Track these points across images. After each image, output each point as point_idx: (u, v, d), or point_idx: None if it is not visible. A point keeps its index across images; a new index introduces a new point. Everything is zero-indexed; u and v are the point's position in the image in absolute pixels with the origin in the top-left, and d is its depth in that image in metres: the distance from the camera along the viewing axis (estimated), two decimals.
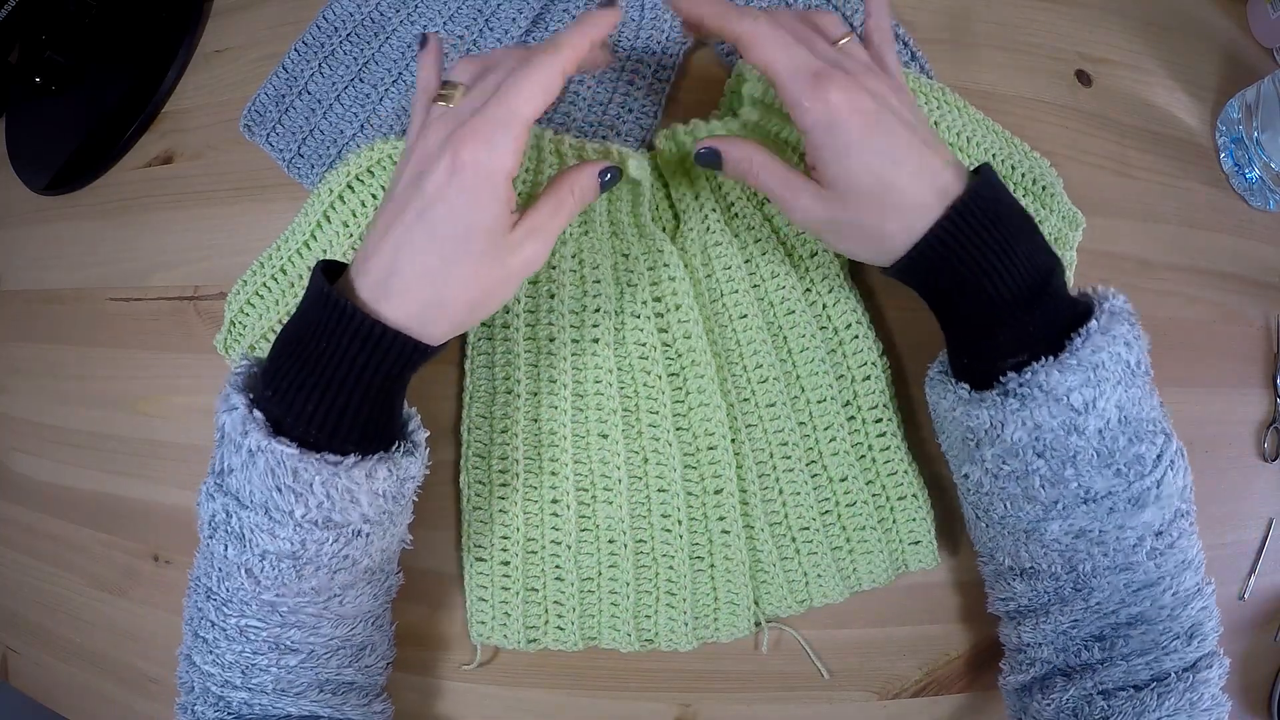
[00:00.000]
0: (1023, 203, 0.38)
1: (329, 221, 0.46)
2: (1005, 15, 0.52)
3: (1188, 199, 0.52)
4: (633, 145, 0.48)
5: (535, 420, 0.46)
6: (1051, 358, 0.32)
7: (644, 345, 0.45)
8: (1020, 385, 0.32)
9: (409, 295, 0.32)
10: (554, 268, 0.45)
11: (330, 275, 0.33)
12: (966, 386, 0.35)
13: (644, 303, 0.45)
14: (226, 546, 0.33)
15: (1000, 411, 0.33)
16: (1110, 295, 0.34)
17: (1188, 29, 0.55)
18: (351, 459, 0.32)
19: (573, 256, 0.45)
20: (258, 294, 0.47)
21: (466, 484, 0.46)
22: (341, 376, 0.32)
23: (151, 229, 0.56)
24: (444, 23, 0.50)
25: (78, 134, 0.60)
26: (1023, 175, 0.45)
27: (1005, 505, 0.36)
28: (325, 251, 0.46)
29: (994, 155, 0.45)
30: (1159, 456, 0.33)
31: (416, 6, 0.51)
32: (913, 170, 0.33)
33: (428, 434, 0.37)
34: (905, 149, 0.33)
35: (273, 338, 0.45)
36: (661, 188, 0.46)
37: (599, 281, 0.45)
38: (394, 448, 0.35)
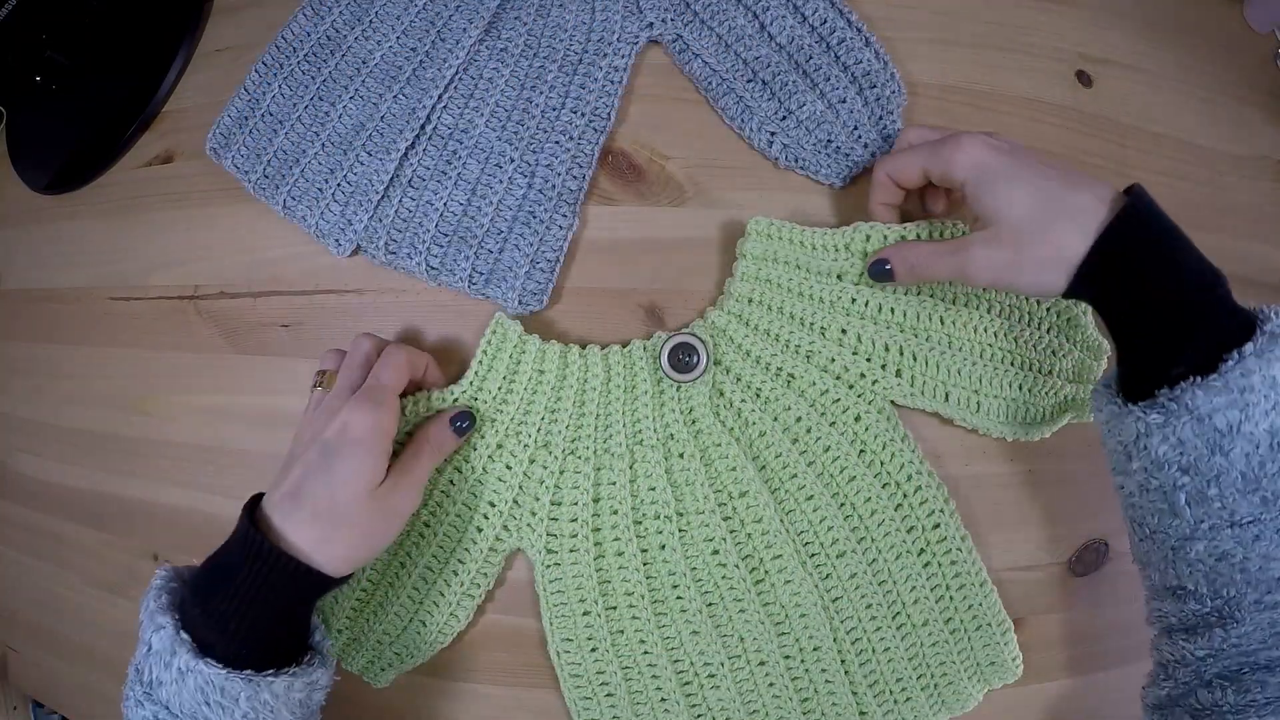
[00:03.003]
0: (1043, 335, 0.45)
1: None
2: (1005, 15, 0.52)
3: (1188, 199, 0.52)
4: (589, 148, 0.48)
5: (621, 633, 0.46)
6: (1200, 377, 0.32)
7: (713, 540, 0.45)
8: (1169, 400, 0.33)
9: (307, 526, 0.37)
10: (613, 484, 0.45)
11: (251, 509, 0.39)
12: (1120, 398, 0.36)
13: (704, 498, 0.45)
14: None
15: (1145, 425, 0.34)
16: (1275, 315, 0.33)
17: (1187, 29, 0.55)
18: (270, 675, 0.36)
19: (630, 467, 0.45)
20: None
21: (572, 702, 0.47)
22: (262, 602, 0.36)
23: (151, 229, 0.56)
24: (397, 36, 0.51)
25: (78, 133, 0.60)
26: (1047, 310, 0.46)
27: (1155, 519, 0.36)
28: None
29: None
30: None
31: (371, 22, 0.51)
32: (1066, 182, 0.36)
33: (332, 643, 0.42)
34: (1049, 168, 0.37)
35: (360, 621, 0.48)
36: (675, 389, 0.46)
37: (653, 489, 0.45)
38: (305, 659, 0.39)
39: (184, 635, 0.36)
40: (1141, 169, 0.52)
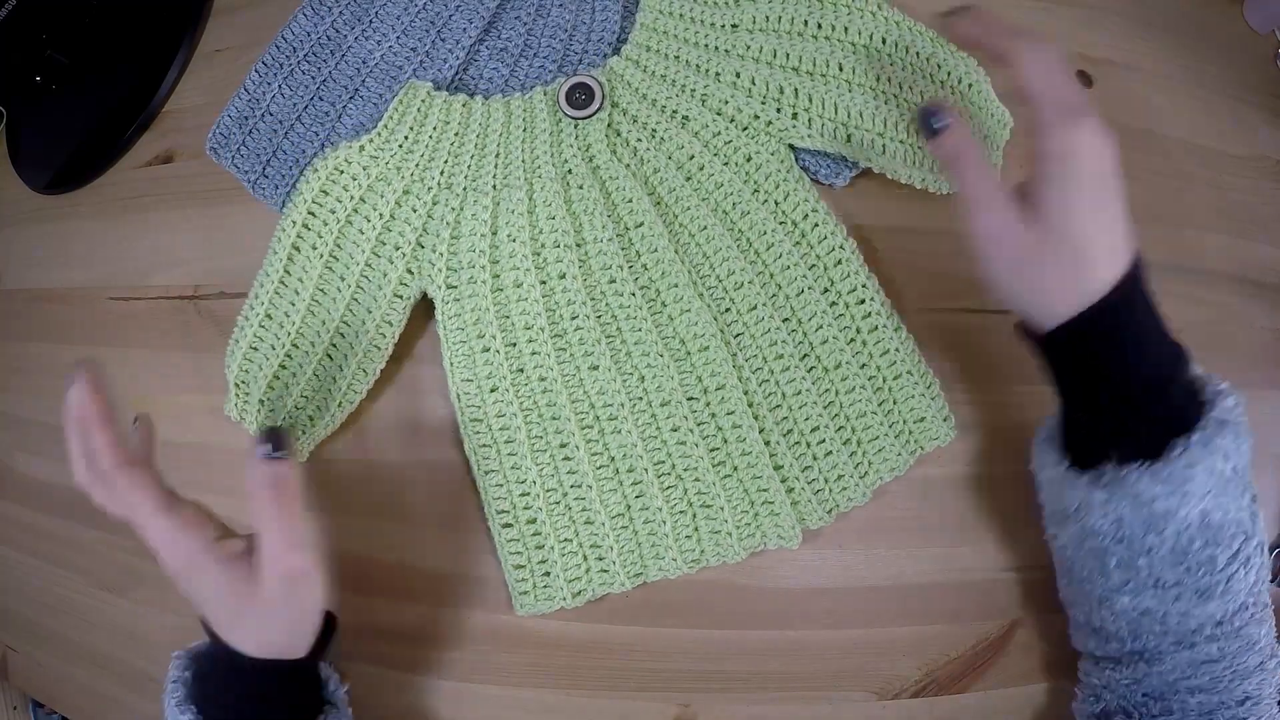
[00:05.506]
0: (946, 94, 0.45)
1: (299, 251, 0.47)
2: (1005, 15, 0.51)
3: (1188, 199, 0.52)
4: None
5: (521, 370, 0.46)
6: (1147, 463, 0.33)
7: (610, 269, 0.46)
8: (1113, 481, 0.34)
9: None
10: (512, 212, 0.46)
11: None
12: (1067, 462, 0.37)
13: (603, 227, 0.46)
14: None
15: (1089, 498, 0.35)
16: (1221, 398, 0.34)
17: (1187, 29, 0.55)
18: None
19: (529, 198, 0.46)
20: (252, 347, 0.47)
21: (471, 450, 0.46)
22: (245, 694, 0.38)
23: (151, 229, 0.56)
24: (397, 36, 0.51)
25: (78, 133, 0.60)
26: (948, 74, 0.46)
27: (1084, 572, 0.38)
28: (302, 280, 0.47)
29: (918, 53, 0.46)
30: (1234, 556, 0.34)
31: (371, 22, 0.51)
32: (1112, 243, 0.33)
33: (346, 688, 0.42)
34: (1117, 220, 0.34)
35: (279, 386, 0.47)
36: (573, 127, 0.47)
37: (553, 218, 0.46)
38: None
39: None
40: (1142, 169, 0.51)
